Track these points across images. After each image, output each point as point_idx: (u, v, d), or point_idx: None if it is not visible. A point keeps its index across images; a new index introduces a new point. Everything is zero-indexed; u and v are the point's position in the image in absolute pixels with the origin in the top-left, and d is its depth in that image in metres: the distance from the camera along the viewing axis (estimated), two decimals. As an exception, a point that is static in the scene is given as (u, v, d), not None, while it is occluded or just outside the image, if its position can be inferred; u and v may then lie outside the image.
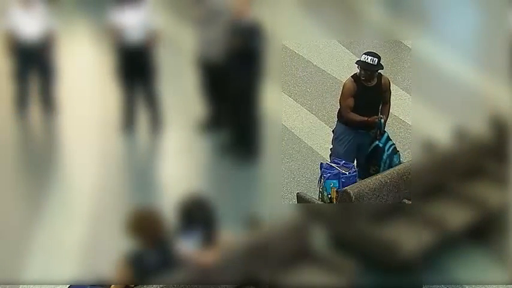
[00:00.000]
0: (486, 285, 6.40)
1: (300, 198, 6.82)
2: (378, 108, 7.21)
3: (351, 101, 7.14)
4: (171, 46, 9.77)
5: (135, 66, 8.22)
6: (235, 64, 7.51)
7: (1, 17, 8.49)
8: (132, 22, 8.09)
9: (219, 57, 7.78)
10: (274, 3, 10.87)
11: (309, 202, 6.71)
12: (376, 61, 6.98)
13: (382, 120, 7.07)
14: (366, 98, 7.11)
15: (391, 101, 7.37)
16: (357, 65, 7.08)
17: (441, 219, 6.56)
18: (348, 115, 7.16)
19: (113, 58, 8.33)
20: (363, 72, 7.04)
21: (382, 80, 7.18)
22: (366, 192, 6.43)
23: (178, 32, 10.49)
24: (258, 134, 7.86)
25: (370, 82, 7.10)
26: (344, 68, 10.69)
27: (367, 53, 7.04)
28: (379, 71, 7.09)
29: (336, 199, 6.58)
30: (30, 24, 8.42)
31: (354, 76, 7.16)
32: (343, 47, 11.66)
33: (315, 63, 11.04)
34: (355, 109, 7.13)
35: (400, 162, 7.07)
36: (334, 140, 7.39)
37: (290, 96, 10.00)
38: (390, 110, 7.41)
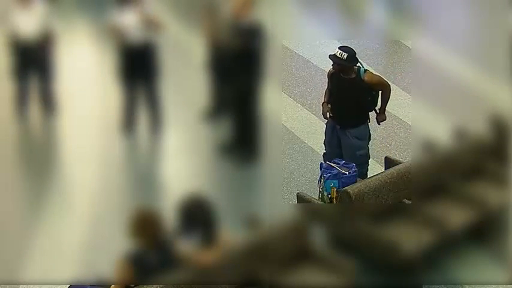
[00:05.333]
0: (486, 285, 6.40)
1: (300, 198, 6.82)
2: (348, 101, 7.15)
3: (326, 89, 7.33)
4: (174, 45, 9.77)
5: (137, 66, 8.20)
6: (236, 65, 7.51)
7: (1, 16, 8.49)
8: (133, 22, 8.08)
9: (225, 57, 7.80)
10: (274, 3, 10.87)
11: (309, 202, 6.71)
12: (345, 56, 6.95)
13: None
14: (337, 89, 7.15)
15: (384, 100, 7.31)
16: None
17: (441, 219, 6.56)
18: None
19: (114, 58, 8.32)
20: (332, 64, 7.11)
21: (365, 76, 7.07)
22: (365, 192, 6.44)
23: (181, 31, 10.48)
24: (259, 134, 7.86)
25: (345, 74, 7.10)
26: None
27: (340, 47, 7.05)
28: (367, 67, 7.10)
29: (336, 199, 6.59)
30: (29, 24, 8.41)
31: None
32: (343, 47, 11.64)
33: (315, 63, 11.03)
34: (331, 97, 7.26)
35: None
36: None
37: (290, 96, 10.00)
38: (388, 109, 7.38)
